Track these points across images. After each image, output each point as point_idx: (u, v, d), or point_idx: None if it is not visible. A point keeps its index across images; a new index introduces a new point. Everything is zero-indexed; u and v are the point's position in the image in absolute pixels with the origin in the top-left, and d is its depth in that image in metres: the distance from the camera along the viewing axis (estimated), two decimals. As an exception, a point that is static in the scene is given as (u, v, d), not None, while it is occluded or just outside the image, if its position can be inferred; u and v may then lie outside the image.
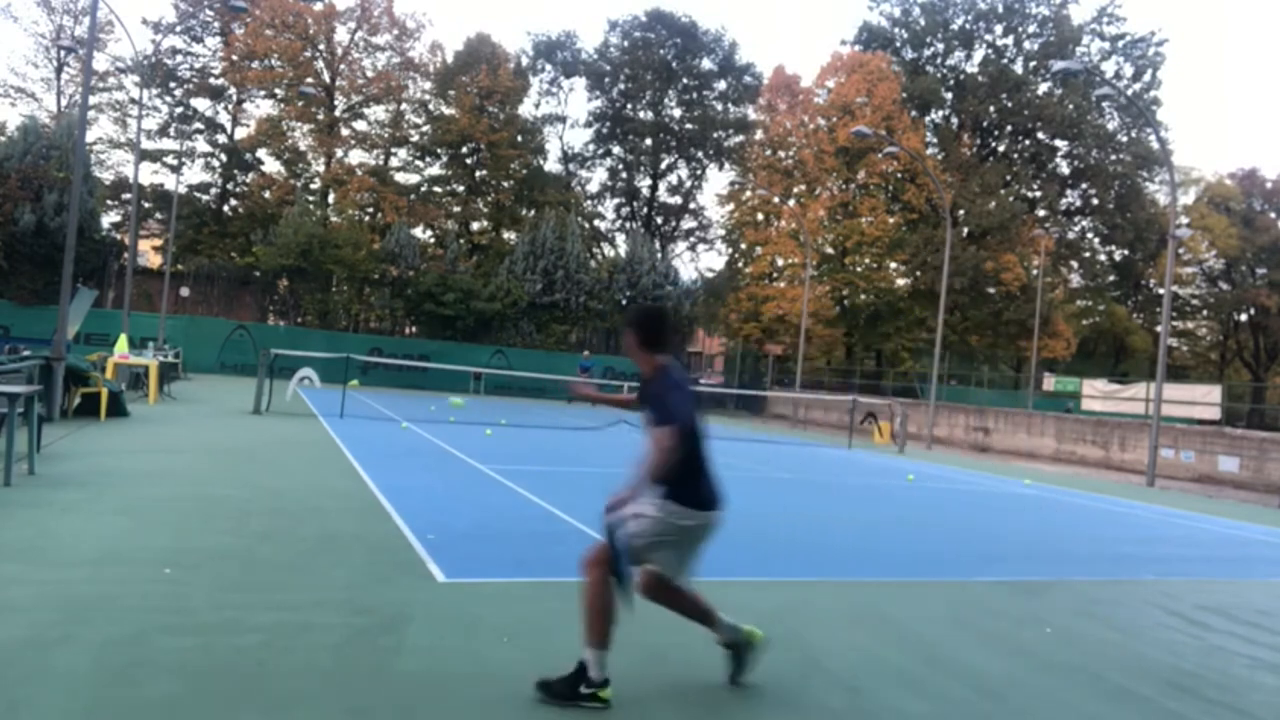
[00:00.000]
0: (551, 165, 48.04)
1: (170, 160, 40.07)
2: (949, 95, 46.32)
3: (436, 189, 43.55)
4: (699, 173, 49.92)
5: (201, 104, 41.49)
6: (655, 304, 4.34)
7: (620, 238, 49.34)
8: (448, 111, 41.34)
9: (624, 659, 4.33)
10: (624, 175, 49.00)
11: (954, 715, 4.00)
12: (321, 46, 40.81)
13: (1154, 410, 20.35)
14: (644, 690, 3.95)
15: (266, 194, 40.22)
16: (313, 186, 40.89)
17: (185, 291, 35.02)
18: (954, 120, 46.95)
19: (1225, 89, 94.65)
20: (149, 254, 44.85)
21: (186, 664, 3.76)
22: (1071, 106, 43.47)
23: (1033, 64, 44.97)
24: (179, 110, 41.03)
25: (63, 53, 38.97)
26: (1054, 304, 43.72)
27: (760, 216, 44.61)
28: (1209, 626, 6.09)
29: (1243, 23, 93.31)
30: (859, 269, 42.75)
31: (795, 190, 43.44)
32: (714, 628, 4.06)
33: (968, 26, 46.17)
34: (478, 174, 42.68)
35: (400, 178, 43.09)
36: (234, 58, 39.26)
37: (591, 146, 49.25)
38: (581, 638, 3.69)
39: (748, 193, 44.58)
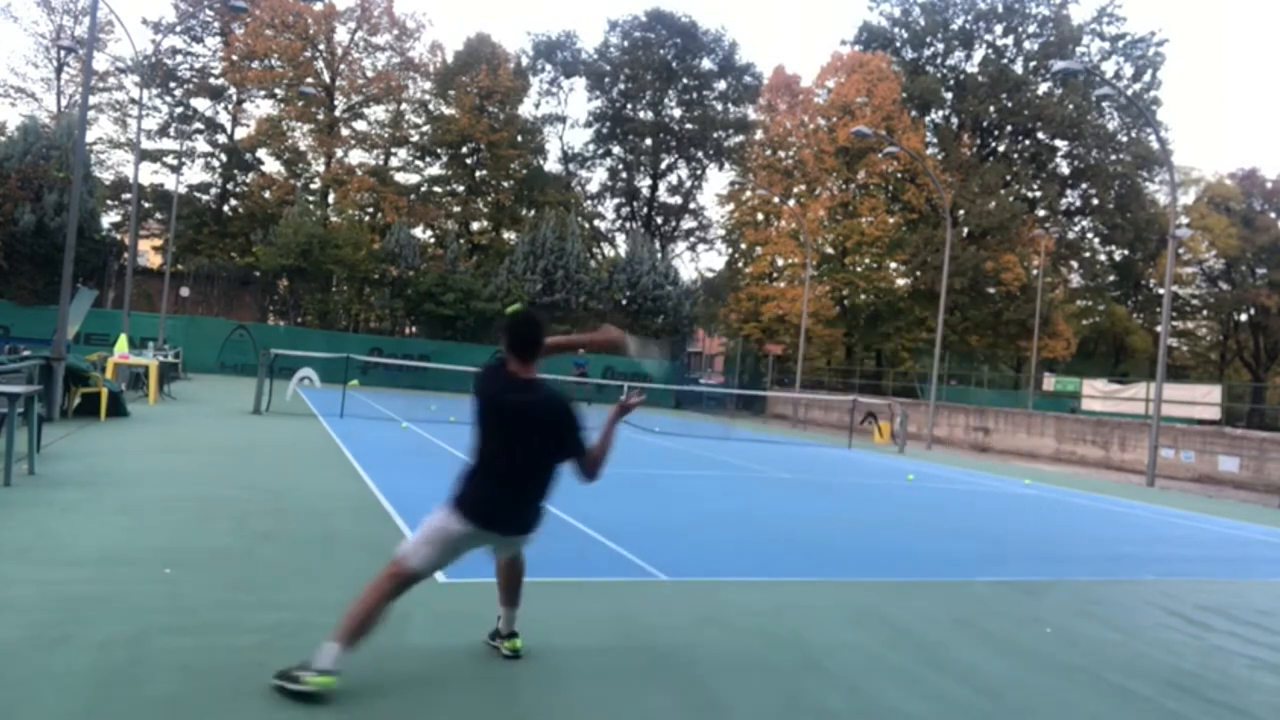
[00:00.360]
0: (551, 165, 48.12)
1: (170, 160, 40.06)
2: (949, 95, 46.32)
3: (436, 189, 43.55)
4: (699, 173, 49.98)
5: (201, 104, 41.52)
6: (526, 312, 4.12)
7: (620, 238, 49.40)
8: (448, 111, 41.34)
9: (626, 659, 4.34)
10: (624, 175, 49.02)
11: (954, 715, 4.00)
12: (321, 46, 40.81)
13: (1154, 410, 20.35)
14: (644, 690, 3.95)
15: (266, 194, 40.21)
16: (313, 186, 40.88)
17: (185, 291, 35.02)
18: (954, 120, 46.95)
19: (1225, 89, 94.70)
20: (149, 254, 44.85)
21: (186, 664, 3.76)
22: (1071, 106, 43.46)
23: (1033, 64, 44.96)
24: (179, 110, 41.03)
25: (63, 53, 38.96)
26: (1054, 304, 43.70)
27: (760, 216, 44.62)
28: (1209, 626, 6.09)
29: (1243, 23, 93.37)
30: (859, 269, 42.75)
31: (795, 190, 43.44)
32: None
33: (968, 26, 46.18)
34: (478, 174, 42.68)
35: (400, 178, 43.10)
36: (234, 58, 39.26)
37: (591, 146, 49.32)
38: (336, 633, 3.55)
39: (748, 193, 44.59)
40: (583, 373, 32.46)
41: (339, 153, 41.61)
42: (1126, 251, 50.36)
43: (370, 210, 41.02)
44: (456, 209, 43.48)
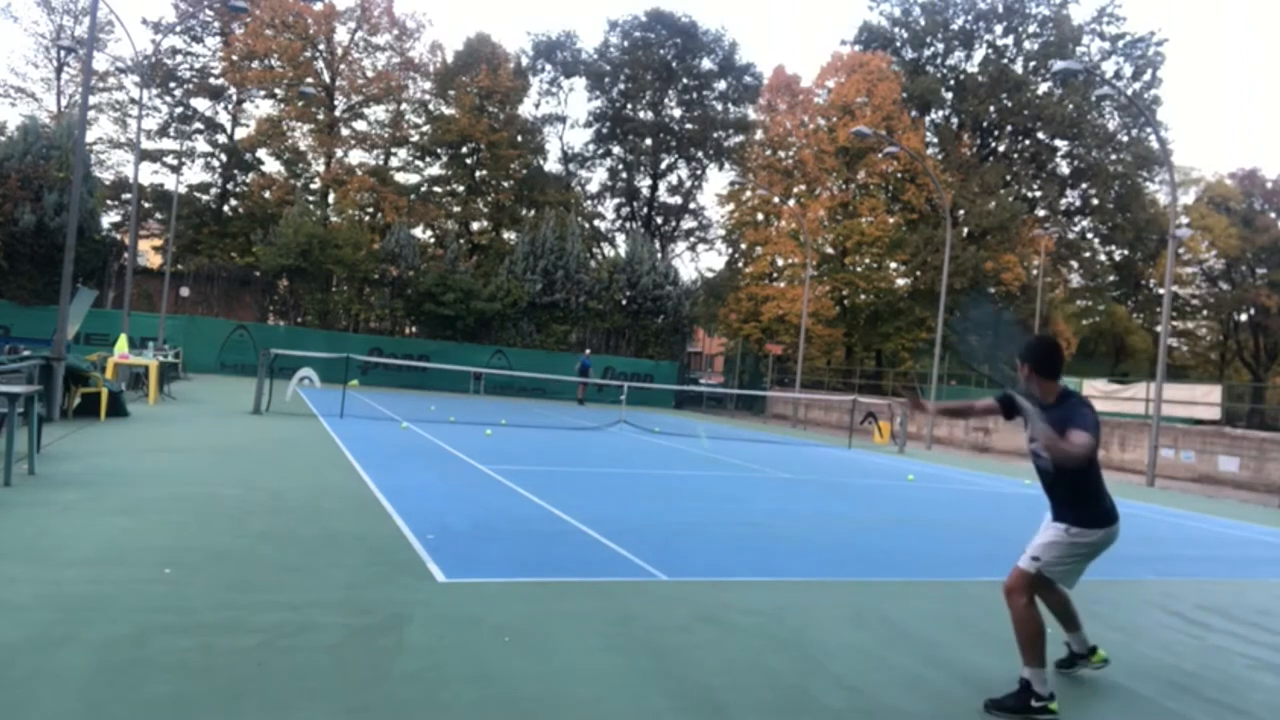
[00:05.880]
0: (551, 165, 48.11)
1: (170, 160, 40.05)
2: (949, 95, 46.32)
3: (436, 189, 43.54)
4: (699, 173, 49.96)
5: (201, 104, 41.48)
6: (1047, 336, 4.97)
7: (620, 238, 49.36)
8: (448, 111, 41.33)
9: (626, 659, 4.33)
10: (624, 175, 49.00)
11: (954, 715, 4.00)
12: (321, 46, 40.80)
13: (1154, 410, 20.35)
14: (644, 690, 3.95)
15: (266, 194, 40.19)
16: (313, 186, 40.86)
17: (185, 291, 34.98)
18: (954, 120, 46.94)
19: (1225, 89, 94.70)
20: (149, 254, 44.80)
21: (186, 664, 3.76)
22: (1071, 106, 43.47)
23: (1033, 64, 44.97)
24: (179, 110, 41.00)
25: (63, 53, 38.94)
26: (1054, 304, 43.74)
27: (760, 216, 44.61)
28: (1209, 626, 6.09)
29: (1242, 23, 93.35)
30: (859, 269, 42.74)
31: (795, 190, 43.43)
32: (1071, 632, 4.66)
33: (968, 26, 46.18)
34: (478, 174, 42.67)
35: (400, 178, 43.07)
36: (234, 58, 39.24)
37: (591, 146, 49.30)
38: (1020, 659, 4.10)
39: (748, 193, 44.57)
40: (584, 371, 32.44)
41: (339, 153, 41.60)
42: (1126, 251, 50.36)
43: (370, 210, 41.00)
44: (456, 209, 43.47)
